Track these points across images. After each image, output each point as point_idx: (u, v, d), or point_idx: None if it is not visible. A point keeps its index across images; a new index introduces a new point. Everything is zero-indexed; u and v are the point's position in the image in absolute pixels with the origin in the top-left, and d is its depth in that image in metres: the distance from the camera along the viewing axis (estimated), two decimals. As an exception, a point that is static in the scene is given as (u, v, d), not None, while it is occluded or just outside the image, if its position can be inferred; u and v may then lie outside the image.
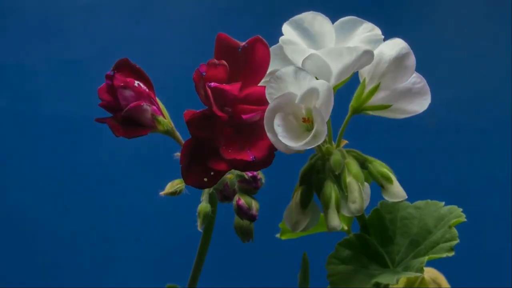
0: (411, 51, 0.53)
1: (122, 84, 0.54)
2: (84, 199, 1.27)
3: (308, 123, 0.50)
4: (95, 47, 1.30)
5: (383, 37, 0.52)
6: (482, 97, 1.28)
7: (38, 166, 1.27)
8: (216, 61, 0.51)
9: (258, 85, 0.53)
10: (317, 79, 0.49)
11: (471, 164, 1.26)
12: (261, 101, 0.51)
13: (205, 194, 0.59)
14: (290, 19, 0.53)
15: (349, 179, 0.52)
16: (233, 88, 0.51)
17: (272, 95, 0.49)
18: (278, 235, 0.68)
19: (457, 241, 0.54)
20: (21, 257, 1.25)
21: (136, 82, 0.55)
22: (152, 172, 1.22)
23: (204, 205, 0.58)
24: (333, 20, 0.54)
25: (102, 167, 1.27)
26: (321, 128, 0.48)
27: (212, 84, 0.50)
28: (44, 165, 1.27)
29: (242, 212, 0.57)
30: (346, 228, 0.67)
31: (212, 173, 0.51)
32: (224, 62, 0.52)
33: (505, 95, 1.26)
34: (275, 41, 0.53)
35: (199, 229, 0.58)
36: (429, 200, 0.59)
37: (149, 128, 0.55)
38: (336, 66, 0.50)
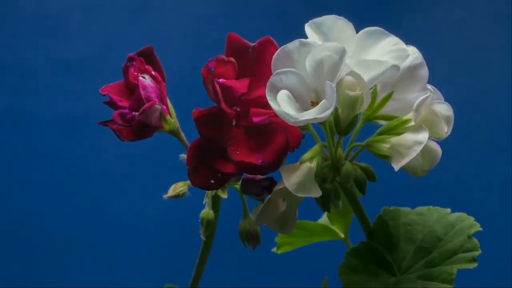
0: (424, 61, 0.52)
1: (142, 71, 0.54)
2: (85, 199, 1.26)
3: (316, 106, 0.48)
4: (95, 47, 1.30)
5: (409, 53, 0.51)
6: (482, 97, 1.28)
7: (39, 166, 1.27)
8: (224, 57, 0.51)
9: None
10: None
11: (471, 164, 1.25)
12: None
13: (208, 197, 0.58)
14: (311, 21, 0.51)
15: (387, 145, 0.50)
16: (241, 85, 0.51)
17: (276, 67, 0.48)
18: (274, 249, 0.68)
19: (479, 251, 0.53)
20: (21, 257, 1.25)
21: (153, 72, 0.55)
22: (153, 172, 1.22)
23: (207, 212, 0.58)
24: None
25: (103, 167, 1.27)
26: (329, 100, 0.46)
27: (221, 80, 0.50)
28: (45, 165, 1.27)
29: (252, 182, 0.55)
30: (342, 236, 0.67)
31: (219, 175, 0.50)
32: (232, 59, 0.51)
33: (505, 95, 1.26)
34: (284, 42, 0.52)
35: (202, 237, 0.58)
36: (431, 207, 0.58)
37: (156, 129, 0.54)
38: (363, 77, 0.49)
